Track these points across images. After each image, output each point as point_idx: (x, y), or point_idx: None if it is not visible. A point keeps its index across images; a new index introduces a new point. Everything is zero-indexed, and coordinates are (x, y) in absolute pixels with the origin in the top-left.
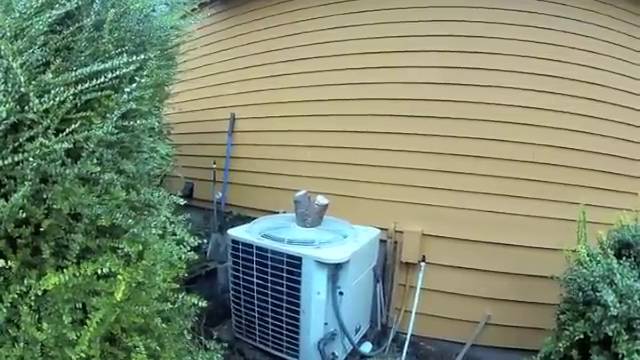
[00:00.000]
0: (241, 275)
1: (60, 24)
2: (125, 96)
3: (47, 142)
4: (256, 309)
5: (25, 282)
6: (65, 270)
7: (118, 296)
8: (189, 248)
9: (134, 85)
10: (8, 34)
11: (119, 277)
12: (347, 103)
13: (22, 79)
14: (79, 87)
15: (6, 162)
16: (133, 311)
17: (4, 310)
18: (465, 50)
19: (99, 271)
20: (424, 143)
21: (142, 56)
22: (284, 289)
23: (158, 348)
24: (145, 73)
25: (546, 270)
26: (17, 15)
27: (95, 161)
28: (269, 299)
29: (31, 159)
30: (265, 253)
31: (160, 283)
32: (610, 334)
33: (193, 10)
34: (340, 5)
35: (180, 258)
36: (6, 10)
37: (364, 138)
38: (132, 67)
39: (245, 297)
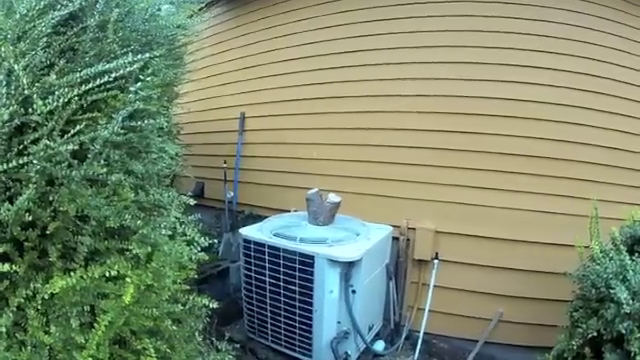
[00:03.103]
0: (253, 274)
1: (64, 25)
2: (131, 95)
3: (52, 144)
4: (268, 308)
5: (32, 286)
6: (73, 273)
7: (127, 299)
8: (199, 249)
9: (139, 84)
10: (9, 36)
11: (127, 280)
12: (358, 100)
13: (25, 81)
14: (84, 87)
15: (11, 165)
16: (142, 314)
17: (10, 314)
18: (477, 45)
19: (107, 274)
20: (436, 139)
21: (147, 55)
22: (296, 288)
23: (168, 350)
24: (150, 72)
25: (559, 267)
26: (19, 17)
27: (102, 162)
28: (281, 298)
29: (35, 161)
30: (277, 252)
31: (170, 285)
32: (623, 332)
33: (200, 9)
34: (350, 1)
35: (190, 259)
36: (7, 13)
37: (376, 135)
38: (136, 66)
39: (257, 296)
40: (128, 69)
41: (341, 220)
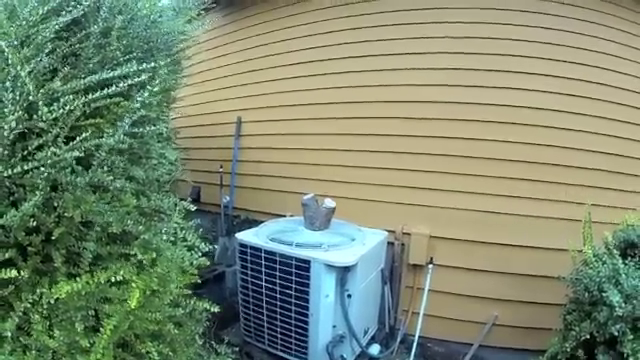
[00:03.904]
0: (249, 279)
1: (66, 30)
2: (137, 104)
3: (58, 151)
4: (265, 312)
5: (38, 291)
6: (78, 278)
7: (133, 304)
8: (200, 254)
9: (146, 94)
10: (15, 42)
11: (133, 285)
12: (353, 106)
13: (31, 87)
14: (90, 96)
15: (15, 170)
16: (146, 318)
17: (16, 319)
18: (469, 52)
19: (112, 279)
20: (431, 145)
21: (152, 64)
22: (293, 292)
23: (170, 353)
24: (157, 82)
25: (553, 271)
26: (24, 23)
27: (105, 169)
28: (278, 302)
29: (42, 168)
30: (273, 257)
31: (174, 289)
32: (615, 334)
33: (198, 14)
34: (344, 8)
35: (191, 264)
36: (10, 17)
37: (370, 141)
38: (144, 77)
39: (254, 300)
40: (137, 79)
41: (337, 225)
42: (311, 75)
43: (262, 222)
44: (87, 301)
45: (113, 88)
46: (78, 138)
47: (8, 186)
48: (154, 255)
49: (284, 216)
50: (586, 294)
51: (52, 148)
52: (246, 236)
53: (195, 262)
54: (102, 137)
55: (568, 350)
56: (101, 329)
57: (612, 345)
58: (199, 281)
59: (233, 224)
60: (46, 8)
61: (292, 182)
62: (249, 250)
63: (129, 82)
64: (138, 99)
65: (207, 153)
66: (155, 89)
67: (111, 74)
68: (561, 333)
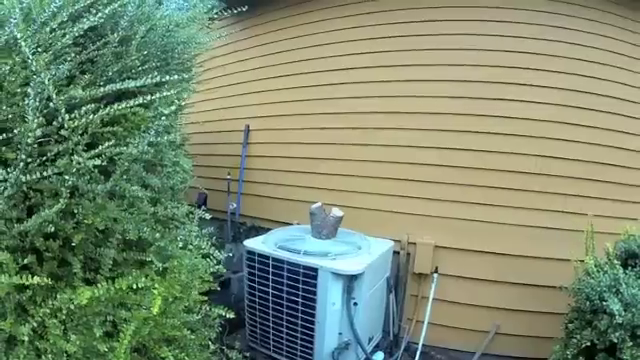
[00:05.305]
0: (256, 285)
1: (83, 37)
2: (163, 117)
3: (81, 159)
4: (271, 319)
5: (58, 297)
6: (100, 285)
7: (155, 310)
8: (216, 261)
9: (173, 107)
10: (39, 49)
11: (155, 292)
12: (359, 116)
13: (54, 95)
14: (115, 106)
15: (33, 176)
16: (164, 323)
17: (34, 323)
18: (470, 64)
19: (134, 285)
20: (435, 156)
21: (176, 76)
22: (299, 299)
23: (186, 358)
24: (185, 95)
25: (555, 280)
26: (47, 29)
27: (125, 177)
28: (284, 309)
29: (66, 176)
30: (281, 264)
31: (194, 296)
32: (615, 341)
33: (211, 20)
34: (354, 18)
35: (205, 271)
36: (25, 19)
37: (377, 151)
38: (173, 91)
39: (260, 307)
40: (166, 93)
41: (343, 234)
42: (317, 85)
43: (269, 229)
44: (105, 307)
45: (140, 100)
46: (101, 146)
47: (25, 191)
48: (175, 262)
49: (291, 224)
50: (587, 303)
51: (76, 157)
52: (254, 243)
53: (210, 269)
54: (119, 144)
55: (569, 357)
56: (120, 334)
57: (612, 352)
58: (218, 288)
59: (239, 231)
60: (65, 14)
61: (299, 190)
62: (257, 257)
63: (157, 95)
64: (164, 112)
65: (214, 160)
66: (182, 103)
67: (132, 84)
68: (563, 341)
